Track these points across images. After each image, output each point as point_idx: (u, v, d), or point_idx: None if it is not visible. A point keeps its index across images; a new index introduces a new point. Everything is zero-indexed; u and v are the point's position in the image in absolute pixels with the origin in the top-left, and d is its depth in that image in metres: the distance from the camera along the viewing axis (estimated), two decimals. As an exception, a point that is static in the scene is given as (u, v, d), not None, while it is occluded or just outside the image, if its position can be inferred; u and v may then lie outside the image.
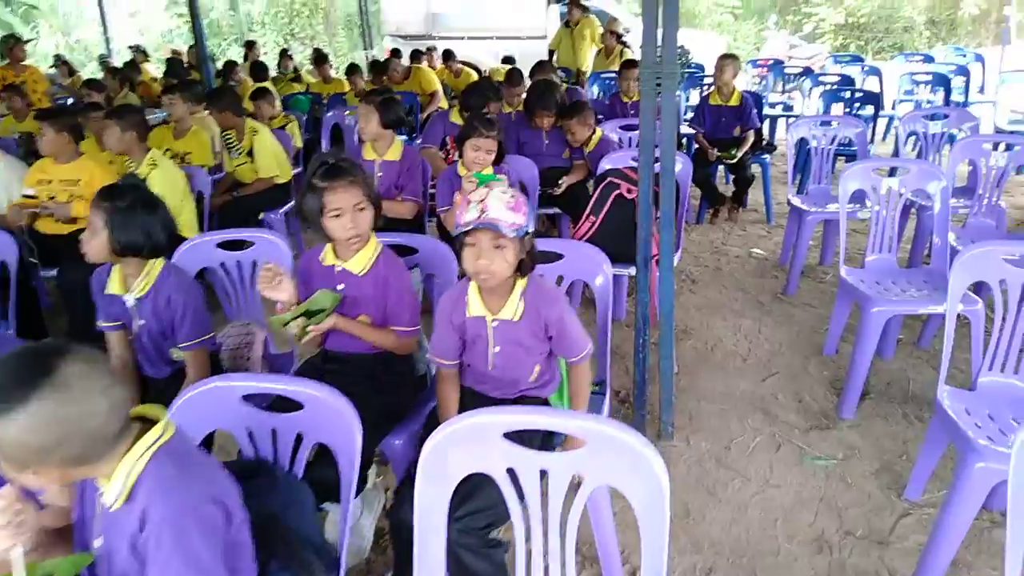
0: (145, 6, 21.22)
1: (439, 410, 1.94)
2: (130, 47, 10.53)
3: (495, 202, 1.68)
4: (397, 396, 2.11)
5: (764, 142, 5.39)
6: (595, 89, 7.25)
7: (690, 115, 5.80)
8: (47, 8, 20.43)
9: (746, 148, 5.07)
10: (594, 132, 4.07)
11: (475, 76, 8.56)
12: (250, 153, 4.48)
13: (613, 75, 7.65)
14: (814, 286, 4.10)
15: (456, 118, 4.19)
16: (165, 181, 3.65)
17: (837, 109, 5.94)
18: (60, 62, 9.86)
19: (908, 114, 4.16)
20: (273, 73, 9.44)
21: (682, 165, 3.43)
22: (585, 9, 8.71)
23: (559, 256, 2.31)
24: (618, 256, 3.17)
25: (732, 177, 5.22)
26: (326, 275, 2.08)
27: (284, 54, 9.28)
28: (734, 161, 5.02)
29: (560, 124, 4.10)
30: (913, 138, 4.40)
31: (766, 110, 7.51)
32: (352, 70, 7.03)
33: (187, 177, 3.93)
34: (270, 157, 4.48)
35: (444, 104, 7.63)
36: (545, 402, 1.96)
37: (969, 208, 3.58)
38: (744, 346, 3.45)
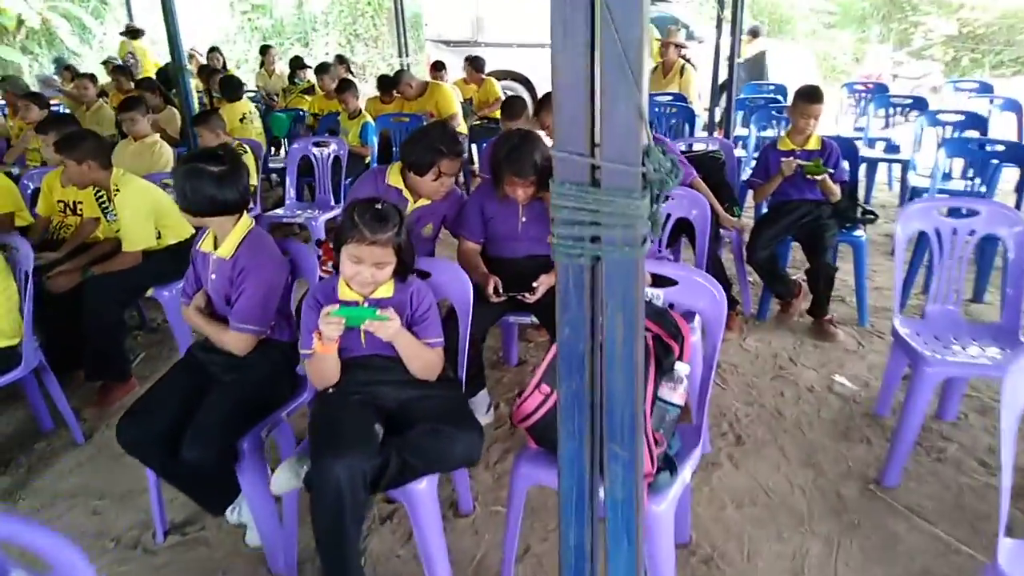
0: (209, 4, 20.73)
1: None
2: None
3: None
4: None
5: (860, 210, 3.85)
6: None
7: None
8: (117, 3, 20.20)
9: (835, 192, 3.56)
10: (593, 210, 2.68)
11: (497, 91, 7.23)
12: (128, 214, 3.30)
13: (671, 98, 6.20)
14: (931, 468, 2.59)
15: (395, 178, 2.87)
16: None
17: (961, 164, 4.34)
18: (63, 66, 9.05)
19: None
20: (282, 83, 8.40)
21: (709, 301, 2.01)
22: (642, 16, 7.23)
23: None
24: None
25: (807, 268, 3.66)
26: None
27: (296, 62, 8.17)
28: (819, 177, 3.53)
29: (541, 196, 2.73)
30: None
31: (864, 151, 5.91)
32: (344, 86, 5.79)
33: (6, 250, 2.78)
34: (136, 223, 3.27)
35: (463, 129, 6.35)
36: None
37: None
38: (806, 613, 2.01)
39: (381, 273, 1.96)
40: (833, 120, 9.37)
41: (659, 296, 2.11)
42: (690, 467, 1.92)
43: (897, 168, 6.02)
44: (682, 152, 3.90)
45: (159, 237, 3.42)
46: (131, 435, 2.09)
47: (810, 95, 3.61)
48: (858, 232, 3.74)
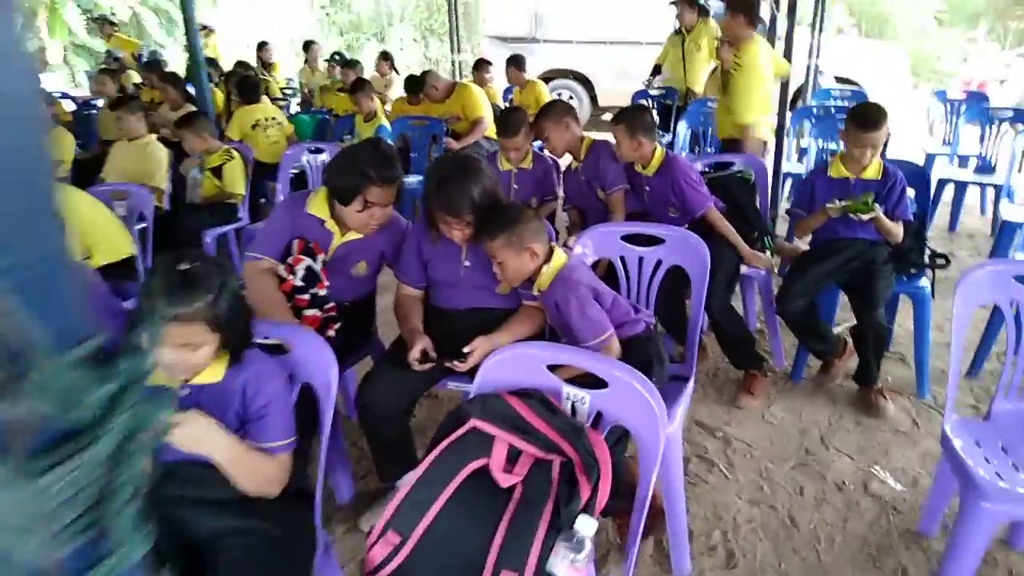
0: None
1: None
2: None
3: None
4: None
5: (927, 254, 3.11)
6: (682, 129, 5.08)
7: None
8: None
9: (894, 232, 2.86)
10: (549, 257, 2.09)
11: (543, 93, 6.64)
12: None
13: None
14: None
15: (319, 207, 2.35)
16: None
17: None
18: (112, 58, 9.00)
19: None
20: (325, 81, 8.07)
21: (643, 414, 1.41)
22: (703, 11, 6.50)
23: None
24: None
25: (852, 326, 2.95)
26: None
27: (334, 59, 7.81)
28: (872, 214, 2.80)
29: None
30: None
31: (949, 170, 5.09)
32: (357, 87, 5.34)
33: None
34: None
35: (492, 134, 5.81)
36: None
37: None
38: None
39: (195, 356, 1.45)
40: (927, 130, 8.36)
41: (584, 400, 1.52)
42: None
43: (992, 192, 5.11)
44: (705, 174, 3.26)
45: (89, 257, 3.04)
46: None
47: (863, 121, 2.87)
48: (922, 282, 3.00)
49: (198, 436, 1.38)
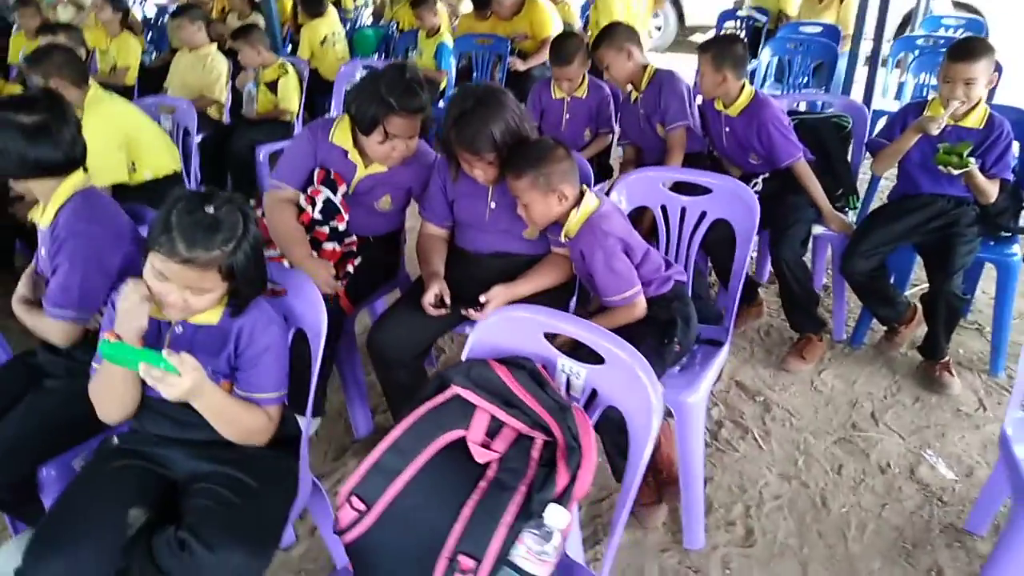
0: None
1: None
2: None
3: None
4: None
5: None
6: (766, 56, 4.65)
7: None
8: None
9: (989, 192, 2.53)
10: (579, 200, 1.93)
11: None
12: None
13: (819, 30, 4.99)
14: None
15: (342, 136, 2.23)
16: None
17: None
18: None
19: None
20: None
21: (639, 400, 1.27)
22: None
23: None
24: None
25: (927, 293, 2.65)
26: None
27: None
28: (965, 169, 2.44)
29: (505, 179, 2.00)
30: None
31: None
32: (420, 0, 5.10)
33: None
34: (100, 152, 2.81)
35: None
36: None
37: None
38: None
39: (197, 300, 1.38)
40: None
41: (579, 375, 1.39)
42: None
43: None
44: (793, 115, 2.94)
45: (134, 171, 3.04)
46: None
47: (954, 50, 2.51)
48: (1013, 248, 2.67)
49: (188, 389, 1.30)
